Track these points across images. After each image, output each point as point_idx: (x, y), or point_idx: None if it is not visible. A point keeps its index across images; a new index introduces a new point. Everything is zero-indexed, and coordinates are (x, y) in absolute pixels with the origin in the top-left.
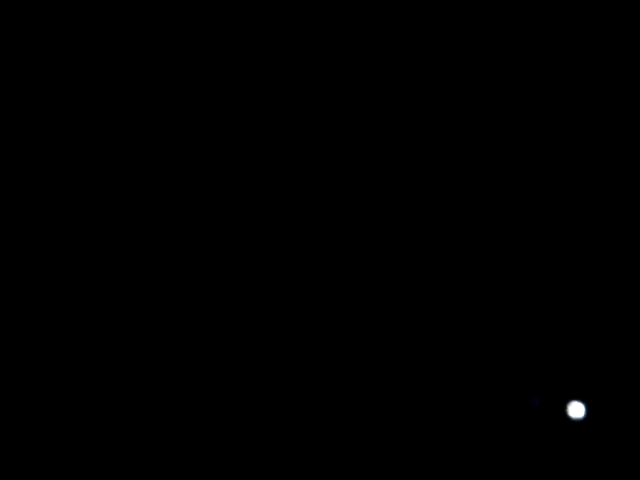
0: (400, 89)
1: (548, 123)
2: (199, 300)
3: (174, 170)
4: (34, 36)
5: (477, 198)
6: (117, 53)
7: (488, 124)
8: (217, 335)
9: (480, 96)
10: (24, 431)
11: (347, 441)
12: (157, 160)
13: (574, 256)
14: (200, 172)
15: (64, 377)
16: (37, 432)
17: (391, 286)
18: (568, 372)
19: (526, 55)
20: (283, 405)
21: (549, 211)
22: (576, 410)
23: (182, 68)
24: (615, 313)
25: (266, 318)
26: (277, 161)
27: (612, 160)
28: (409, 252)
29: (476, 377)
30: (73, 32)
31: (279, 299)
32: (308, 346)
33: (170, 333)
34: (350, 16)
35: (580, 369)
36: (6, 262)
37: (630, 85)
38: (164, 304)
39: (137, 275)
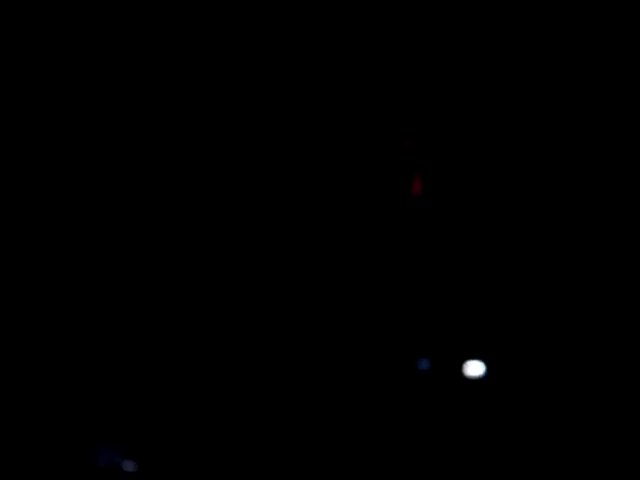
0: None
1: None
2: (198, 300)
3: (173, 170)
4: (34, 36)
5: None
6: (117, 53)
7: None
8: (216, 335)
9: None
10: (24, 431)
11: (332, 437)
12: (157, 160)
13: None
14: (198, 172)
15: (64, 377)
16: (37, 432)
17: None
18: (465, 332)
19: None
20: (282, 404)
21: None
22: (474, 369)
23: (182, 68)
24: (514, 272)
25: (264, 317)
26: (275, 161)
27: (609, 158)
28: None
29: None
30: (73, 32)
31: (277, 298)
32: (306, 345)
33: (170, 332)
34: (349, 16)
35: (478, 329)
36: (6, 262)
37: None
38: (163, 303)
39: (136, 275)
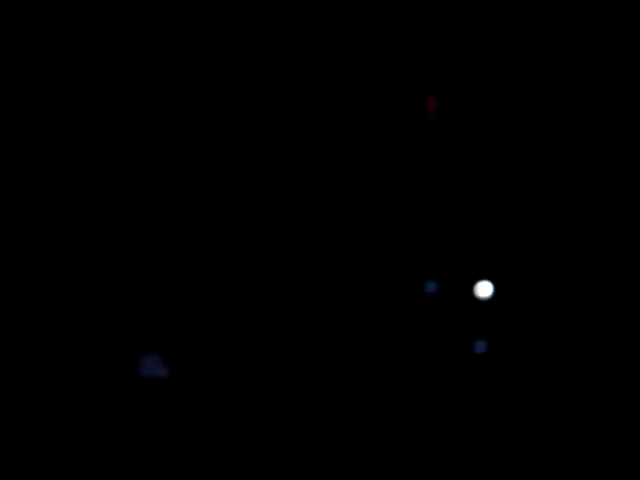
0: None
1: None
2: (196, 300)
3: (172, 170)
4: (34, 36)
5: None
6: (117, 53)
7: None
8: (214, 334)
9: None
10: (24, 431)
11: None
12: (156, 160)
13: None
14: (196, 172)
15: (64, 377)
16: (37, 432)
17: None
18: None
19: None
20: (281, 405)
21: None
22: (484, 289)
23: (182, 68)
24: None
25: (262, 317)
26: (273, 161)
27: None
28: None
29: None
30: (73, 32)
31: (275, 297)
32: (305, 345)
33: (169, 332)
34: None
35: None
36: (6, 262)
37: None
38: (162, 302)
39: (135, 275)
